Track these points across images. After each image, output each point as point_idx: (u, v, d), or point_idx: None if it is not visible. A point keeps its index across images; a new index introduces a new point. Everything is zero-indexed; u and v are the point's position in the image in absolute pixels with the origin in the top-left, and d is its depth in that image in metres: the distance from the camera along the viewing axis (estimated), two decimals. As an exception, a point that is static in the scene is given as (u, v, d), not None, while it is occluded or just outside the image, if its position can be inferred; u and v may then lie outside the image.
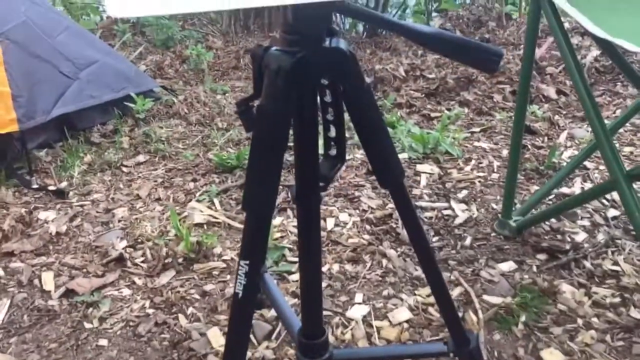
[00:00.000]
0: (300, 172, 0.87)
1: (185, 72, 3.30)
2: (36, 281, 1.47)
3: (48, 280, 1.48)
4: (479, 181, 1.87)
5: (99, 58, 2.23)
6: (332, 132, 0.95)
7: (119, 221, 1.73)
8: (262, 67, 0.79)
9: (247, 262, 0.84)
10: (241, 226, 1.68)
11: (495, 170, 1.95)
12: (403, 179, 0.92)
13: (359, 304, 1.35)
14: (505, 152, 2.06)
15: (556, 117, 2.39)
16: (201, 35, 4.05)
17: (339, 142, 0.96)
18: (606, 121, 2.22)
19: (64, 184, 1.91)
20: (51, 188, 1.85)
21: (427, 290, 1.37)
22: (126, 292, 1.44)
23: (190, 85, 3.05)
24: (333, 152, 0.96)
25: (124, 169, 2.00)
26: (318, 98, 0.83)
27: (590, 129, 2.13)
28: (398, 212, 0.91)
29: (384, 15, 0.77)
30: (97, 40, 2.41)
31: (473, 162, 2.01)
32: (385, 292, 1.39)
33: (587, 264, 1.44)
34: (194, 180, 1.94)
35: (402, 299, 1.36)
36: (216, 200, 1.81)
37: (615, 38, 1.02)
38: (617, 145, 2.04)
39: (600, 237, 1.55)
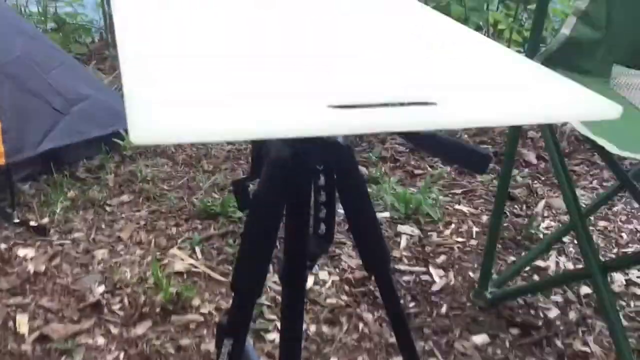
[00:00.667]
0: (289, 251, 0.90)
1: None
2: (10, 323, 1.46)
3: (22, 323, 1.47)
4: (458, 247, 1.91)
5: (91, 93, 2.24)
6: (323, 213, 0.97)
7: (99, 264, 1.72)
8: (261, 152, 0.83)
9: (231, 340, 0.86)
10: (221, 278, 1.69)
11: (474, 236, 1.99)
12: (389, 265, 0.95)
13: (334, 370, 1.36)
14: (484, 218, 2.11)
15: (535, 183, 2.45)
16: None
17: (328, 222, 0.98)
18: (581, 192, 2.30)
19: (45, 220, 1.90)
20: (32, 224, 1.84)
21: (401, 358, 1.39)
22: (101, 340, 1.43)
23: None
24: (322, 231, 0.99)
25: (107, 208, 2.00)
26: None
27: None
28: (380, 295, 0.93)
29: None
30: (90, 75, 2.43)
31: (453, 225, 2.05)
32: (360, 358, 1.41)
33: (559, 342, 1.48)
34: (177, 225, 1.95)
35: (376, 368, 1.37)
36: (197, 249, 1.81)
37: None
38: (591, 218, 2.10)
39: (572, 315, 1.59)
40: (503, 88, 0.64)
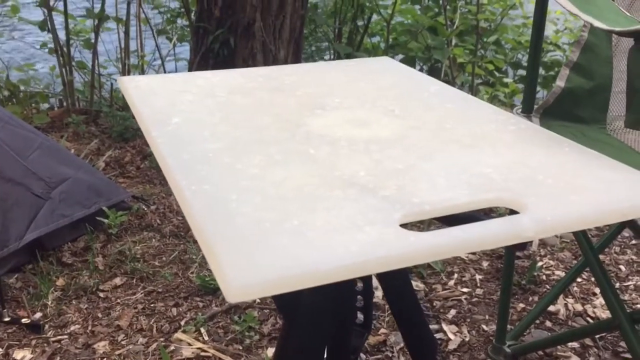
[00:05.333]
0: (332, 347, 0.87)
1: (148, 170, 3.24)
2: None
3: None
4: (465, 298, 1.89)
5: (71, 174, 2.17)
6: (360, 302, 0.94)
7: (101, 358, 1.64)
8: None
9: None
10: (233, 360, 1.62)
11: (479, 284, 1.98)
12: (436, 354, 0.92)
13: None
14: (485, 264, 2.10)
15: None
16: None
17: (366, 312, 0.95)
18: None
19: (37, 315, 1.80)
20: (25, 321, 1.74)
21: None
22: None
23: (154, 185, 3.00)
24: (360, 320, 0.95)
25: (101, 294, 1.92)
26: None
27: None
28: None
29: None
30: (71, 156, 2.36)
31: (456, 275, 2.03)
32: None
33: (586, 393, 1.46)
34: (177, 304, 1.88)
35: None
36: (203, 330, 1.75)
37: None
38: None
39: (593, 361, 1.58)
40: (577, 187, 0.63)
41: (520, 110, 1.43)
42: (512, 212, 0.60)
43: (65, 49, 4.01)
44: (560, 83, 1.40)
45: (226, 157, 0.65)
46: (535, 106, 1.42)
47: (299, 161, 0.68)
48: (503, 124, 0.81)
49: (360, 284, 0.91)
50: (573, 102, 1.42)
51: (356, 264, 0.50)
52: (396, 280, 0.89)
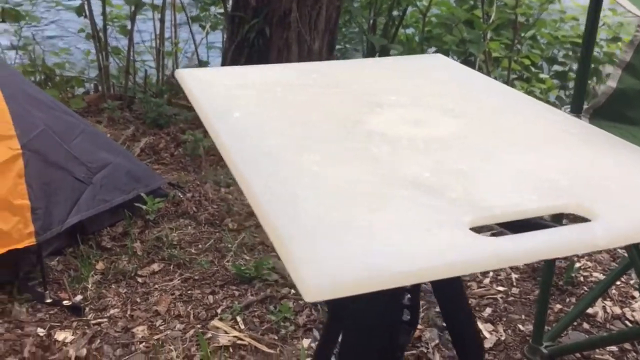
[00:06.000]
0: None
1: (182, 157, 3.28)
2: (59, 418, 1.40)
3: (72, 417, 1.40)
4: (501, 297, 1.88)
5: (112, 160, 2.20)
6: (406, 299, 0.95)
7: (140, 342, 1.67)
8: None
9: None
10: (269, 350, 1.64)
11: (514, 283, 1.96)
12: (482, 356, 0.92)
13: None
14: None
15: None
16: (193, 115, 4.04)
17: (413, 309, 0.95)
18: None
19: (78, 298, 1.84)
20: (66, 303, 1.78)
21: None
22: None
23: (188, 172, 3.03)
24: (406, 317, 0.96)
25: (139, 279, 1.95)
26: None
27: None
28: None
29: None
30: (110, 142, 2.39)
31: (491, 273, 2.02)
32: None
33: (626, 398, 1.44)
34: (213, 292, 1.90)
35: None
36: (239, 318, 1.77)
37: None
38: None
39: (632, 365, 1.56)
40: None
41: (569, 109, 1.41)
42: (578, 217, 0.59)
43: (101, 34, 4.06)
44: (612, 84, 1.38)
45: (288, 154, 0.66)
46: (585, 106, 1.40)
47: (360, 159, 0.68)
48: (561, 125, 0.80)
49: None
50: (624, 103, 1.39)
51: (429, 269, 0.50)
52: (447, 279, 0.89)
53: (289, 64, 0.98)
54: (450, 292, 0.88)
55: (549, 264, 1.55)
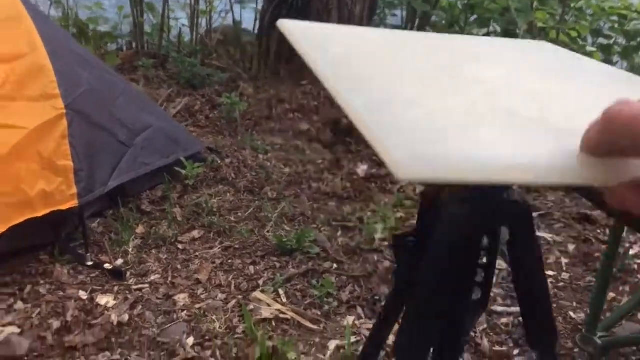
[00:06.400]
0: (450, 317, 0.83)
1: (217, 121, 3.23)
2: (104, 384, 1.39)
3: (116, 384, 1.39)
4: (551, 282, 1.82)
5: (152, 122, 2.16)
6: (480, 277, 0.89)
7: (182, 310, 1.65)
8: (431, 207, 0.76)
9: None
10: (312, 326, 1.61)
11: (565, 269, 1.90)
12: (556, 343, 0.87)
13: None
14: (571, 248, 2.01)
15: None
16: (227, 77, 3.97)
17: (484, 287, 0.90)
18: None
19: (119, 262, 1.82)
20: (107, 267, 1.76)
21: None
22: (201, 403, 1.36)
23: (224, 136, 2.99)
24: (477, 296, 0.91)
25: (179, 246, 1.92)
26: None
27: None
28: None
29: None
30: (150, 103, 2.35)
31: (539, 257, 1.95)
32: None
33: (685, 396, 1.39)
34: (254, 263, 1.87)
35: None
36: (281, 291, 1.73)
37: None
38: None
39: (692, 362, 1.50)
40: None
41: None
42: None
43: (136, -11, 3.99)
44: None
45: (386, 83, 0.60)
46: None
47: (458, 94, 0.61)
48: None
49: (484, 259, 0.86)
50: None
51: (524, 166, 0.43)
52: (527, 261, 0.83)
53: (392, 30, 0.90)
54: (531, 273, 0.83)
55: (611, 249, 1.48)
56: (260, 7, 4.24)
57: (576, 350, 1.54)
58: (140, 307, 1.65)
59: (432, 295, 0.77)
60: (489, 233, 0.75)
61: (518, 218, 0.72)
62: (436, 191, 0.74)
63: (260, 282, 1.78)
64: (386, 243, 1.97)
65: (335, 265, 1.86)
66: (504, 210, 0.69)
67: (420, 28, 4.35)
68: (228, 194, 2.27)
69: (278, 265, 1.87)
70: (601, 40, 4.66)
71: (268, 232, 2.03)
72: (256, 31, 4.29)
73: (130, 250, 1.87)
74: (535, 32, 4.21)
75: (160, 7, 4.56)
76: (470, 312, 0.87)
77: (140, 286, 1.73)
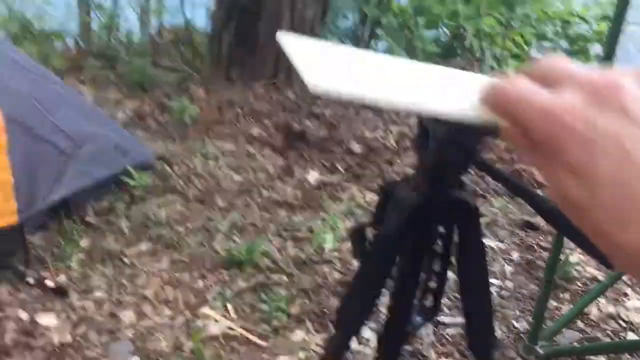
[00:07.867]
0: (394, 307, 0.85)
1: (167, 125, 3.17)
2: (44, 410, 1.35)
3: (58, 409, 1.35)
4: (495, 291, 1.86)
5: (97, 131, 2.11)
6: (433, 284, 0.92)
7: (127, 329, 1.61)
8: (388, 198, 0.79)
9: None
10: (261, 342, 1.60)
11: (508, 276, 1.95)
12: (495, 351, 0.91)
13: None
14: (515, 255, 2.06)
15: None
16: (179, 78, 3.91)
17: (437, 294, 0.93)
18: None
19: (62, 277, 1.77)
20: (49, 284, 1.71)
21: None
22: None
23: (174, 141, 2.94)
24: (428, 303, 0.93)
25: (126, 260, 1.88)
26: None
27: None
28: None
29: (518, 182, 0.77)
30: (95, 110, 2.29)
31: (485, 265, 1.99)
32: None
33: (620, 404, 1.44)
34: (202, 276, 1.84)
35: None
36: (230, 306, 1.72)
37: None
38: None
39: (626, 369, 1.56)
40: None
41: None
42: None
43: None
44: None
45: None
46: None
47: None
48: None
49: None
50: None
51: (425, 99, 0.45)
52: (474, 273, 0.87)
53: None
54: (476, 285, 0.85)
55: (554, 258, 1.52)
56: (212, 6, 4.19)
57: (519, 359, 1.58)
58: (84, 326, 1.61)
59: (375, 270, 0.79)
60: (436, 221, 0.77)
61: (466, 216, 0.74)
62: (392, 184, 0.77)
63: (209, 296, 1.76)
64: (336, 254, 1.97)
65: (284, 278, 1.86)
66: (452, 202, 0.71)
67: (371, 32, 4.38)
68: (177, 204, 2.24)
69: (227, 278, 1.85)
70: (545, 44, 4.80)
71: (217, 244, 2.00)
72: (209, 30, 4.23)
73: (73, 265, 1.82)
74: (481, 37, 4.30)
75: (109, 5, 4.46)
76: (416, 309, 0.90)
77: (83, 303, 1.69)
